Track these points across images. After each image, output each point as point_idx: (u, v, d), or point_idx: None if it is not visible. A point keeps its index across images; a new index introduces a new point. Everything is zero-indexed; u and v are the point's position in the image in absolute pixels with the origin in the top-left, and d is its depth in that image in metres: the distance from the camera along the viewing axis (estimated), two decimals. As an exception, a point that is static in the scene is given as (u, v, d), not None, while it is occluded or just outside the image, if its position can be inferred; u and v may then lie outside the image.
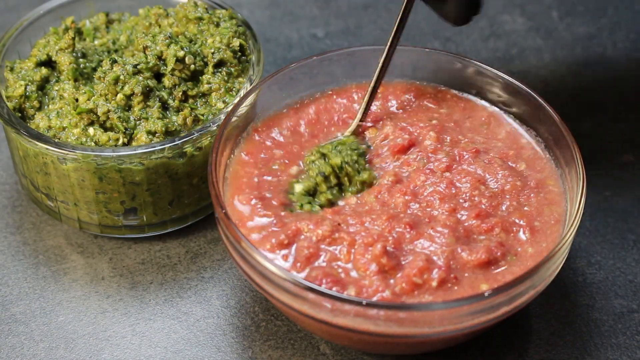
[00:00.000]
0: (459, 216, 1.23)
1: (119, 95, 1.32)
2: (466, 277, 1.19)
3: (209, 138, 1.32)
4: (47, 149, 1.29)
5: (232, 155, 1.30)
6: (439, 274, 1.18)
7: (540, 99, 1.31)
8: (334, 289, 1.17)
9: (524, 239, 1.22)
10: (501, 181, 1.26)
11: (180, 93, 1.34)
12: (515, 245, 1.22)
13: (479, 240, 1.21)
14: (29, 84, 1.35)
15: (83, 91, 1.33)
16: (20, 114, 1.35)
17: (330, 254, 1.20)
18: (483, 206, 1.24)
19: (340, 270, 1.19)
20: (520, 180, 1.27)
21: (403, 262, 1.19)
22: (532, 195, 1.26)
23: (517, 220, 1.23)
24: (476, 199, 1.25)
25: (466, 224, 1.22)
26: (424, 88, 1.38)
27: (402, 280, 1.17)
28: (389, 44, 1.31)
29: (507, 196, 1.25)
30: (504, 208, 1.24)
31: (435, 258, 1.19)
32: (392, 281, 1.18)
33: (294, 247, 1.21)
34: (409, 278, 1.17)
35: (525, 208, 1.25)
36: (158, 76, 1.35)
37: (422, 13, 1.68)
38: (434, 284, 1.17)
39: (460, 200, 1.25)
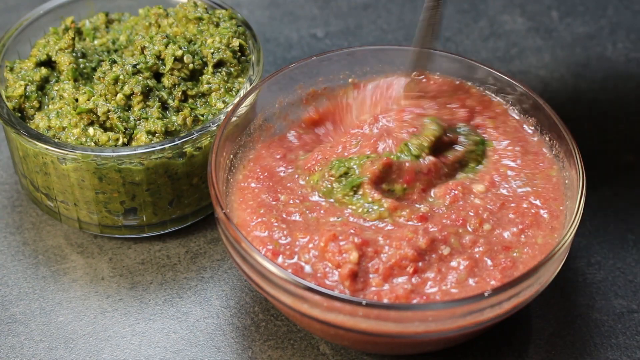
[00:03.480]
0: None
1: (118, 95, 1.32)
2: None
3: (209, 138, 1.32)
4: (47, 149, 1.29)
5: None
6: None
7: (540, 99, 1.31)
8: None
9: (546, 219, 1.23)
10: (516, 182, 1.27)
11: (180, 93, 1.34)
12: (536, 228, 1.22)
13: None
14: (29, 84, 1.35)
15: (83, 91, 1.33)
16: (20, 114, 1.35)
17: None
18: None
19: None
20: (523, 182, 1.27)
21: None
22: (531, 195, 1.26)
23: (533, 201, 1.24)
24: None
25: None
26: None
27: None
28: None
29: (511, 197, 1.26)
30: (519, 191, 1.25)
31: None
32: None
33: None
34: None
35: (535, 188, 1.25)
36: (158, 76, 1.35)
37: (422, 13, 1.68)
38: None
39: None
